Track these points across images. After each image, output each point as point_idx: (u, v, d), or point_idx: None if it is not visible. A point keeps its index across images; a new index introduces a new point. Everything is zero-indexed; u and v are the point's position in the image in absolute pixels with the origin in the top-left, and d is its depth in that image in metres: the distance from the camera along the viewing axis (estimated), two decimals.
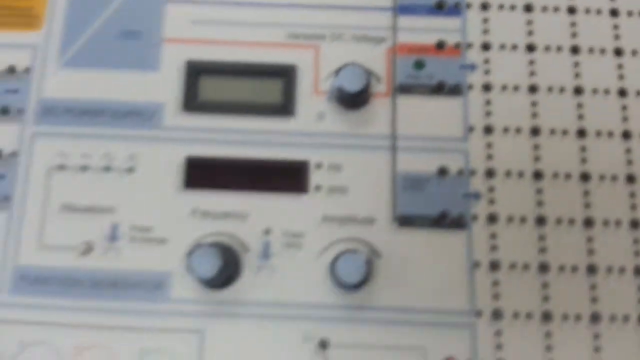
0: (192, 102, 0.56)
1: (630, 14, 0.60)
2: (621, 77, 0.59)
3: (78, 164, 0.55)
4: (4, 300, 0.52)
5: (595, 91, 0.58)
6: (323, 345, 0.52)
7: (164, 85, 0.56)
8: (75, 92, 0.56)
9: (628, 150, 0.57)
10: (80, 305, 0.52)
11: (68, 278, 0.53)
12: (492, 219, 0.55)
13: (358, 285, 0.51)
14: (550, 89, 0.58)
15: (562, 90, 0.58)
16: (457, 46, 0.59)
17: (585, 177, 0.56)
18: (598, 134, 0.57)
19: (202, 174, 0.55)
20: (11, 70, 0.57)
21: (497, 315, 0.53)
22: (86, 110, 0.56)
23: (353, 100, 0.55)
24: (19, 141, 0.55)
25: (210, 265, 0.49)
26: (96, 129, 0.55)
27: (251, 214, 0.54)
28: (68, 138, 0.55)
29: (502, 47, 0.59)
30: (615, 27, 0.60)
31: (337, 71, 0.54)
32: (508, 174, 0.56)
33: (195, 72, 0.56)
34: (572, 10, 0.60)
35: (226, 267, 0.50)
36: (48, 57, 0.57)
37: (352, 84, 0.53)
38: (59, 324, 0.52)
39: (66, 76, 0.57)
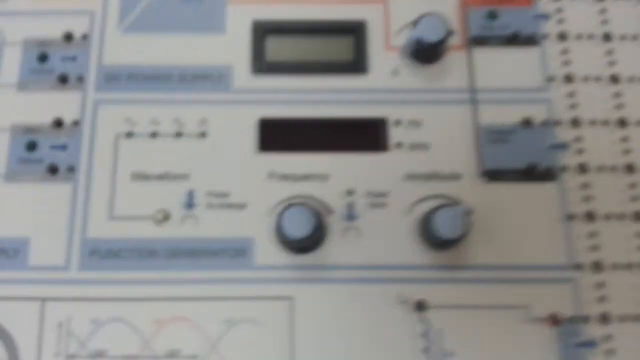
0: (261, 63, 0.47)
1: None
2: None
3: (147, 131, 0.45)
4: (73, 277, 0.43)
5: None
6: (420, 306, 0.43)
7: (231, 47, 0.48)
8: (138, 57, 0.47)
9: None
10: (158, 277, 0.43)
11: (143, 249, 0.43)
12: (582, 169, 0.46)
13: (456, 241, 0.41)
14: (623, 37, 0.49)
15: (634, 38, 0.49)
16: None
17: None
18: None
19: (277, 135, 0.45)
20: (68, 37, 0.48)
21: (597, 267, 0.44)
22: (151, 75, 0.47)
23: (431, 52, 0.46)
24: (81, 109, 0.46)
25: (304, 224, 0.40)
26: (163, 94, 0.46)
27: (332, 175, 0.45)
28: (134, 104, 0.46)
29: None
30: None
31: (415, 22, 0.45)
32: (593, 122, 0.47)
33: (262, 32, 0.47)
34: None
35: (317, 228, 0.40)
36: (107, 23, 0.48)
37: (433, 34, 0.44)
38: (135, 299, 0.42)
39: (127, 42, 0.48)
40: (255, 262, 0.44)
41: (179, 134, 0.46)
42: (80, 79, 0.47)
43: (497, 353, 0.43)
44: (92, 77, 0.47)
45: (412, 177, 0.46)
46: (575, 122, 0.48)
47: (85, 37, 0.48)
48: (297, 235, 0.41)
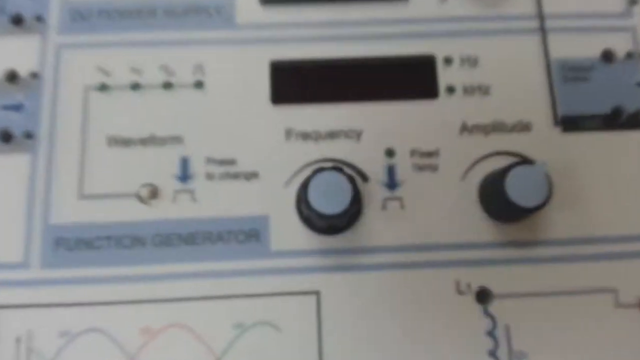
0: None
1: None
2: None
3: (126, 82, 0.31)
4: (34, 276, 0.28)
5: None
6: (483, 296, 0.28)
7: None
8: None
9: None
10: (145, 273, 0.28)
11: (124, 236, 0.29)
12: None
13: (535, 210, 0.26)
14: None
15: None
16: None
17: None
18: None
19: (295, 83, 0.31)
20: None
21: None
22: (129, 10, 0.31)
23: None
24: (40, 58, 0.30)
25: (338, 195, 0.26)
26: (145, 34, 0.31)
27: (366, 130, 0.30)
28: (108, 48, 0.31)
29: None
30: None
31: None
32: None
33: None
34: None
35: (355, 200, 0.26)
36: None
37: None
38: (116, 303, 0.28)
39: None
40: (271, 247, 0.30)
41: (167, 85, 0.31)
42: (39, 19, 0.32)
43: (580, 351, 0.29)
44: (53, 15, 0.32)
45: (468, 129, 0.31)
46: None
47: None
48: (330, 212, 0.27)
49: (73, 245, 0.30)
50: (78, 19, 0.33)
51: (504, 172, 0.29)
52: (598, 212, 0.31)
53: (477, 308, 0.30)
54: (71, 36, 0.32)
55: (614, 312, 0.30)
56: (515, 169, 0.28)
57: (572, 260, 0.31)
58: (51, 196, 0.30)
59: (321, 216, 0.27)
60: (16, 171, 0.30)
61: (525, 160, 0.28)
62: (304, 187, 0.28)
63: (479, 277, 0.30)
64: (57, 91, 0.32)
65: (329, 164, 0.30)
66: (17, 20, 0.32)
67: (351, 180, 0.28)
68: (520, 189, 0.28)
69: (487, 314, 0.30)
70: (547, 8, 0.34)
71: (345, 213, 0.27)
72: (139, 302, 0.29)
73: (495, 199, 0.29)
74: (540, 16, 0.33)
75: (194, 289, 0.29)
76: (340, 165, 0.31)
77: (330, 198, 0.27)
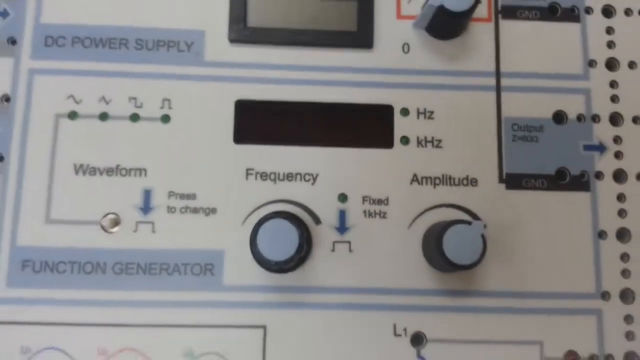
0: (241, 29, 0.32)
1: None
2: None
3: (95, 112, 0.32)
4: (0, 295, 0.30)
5: None
6: (417, 340, 0.31)
7: (203, 7, 0.33)
8: (86, 15, 0.33)
9: None
10: (104, 298, 0.31)
11: (87, 262, 0.31)
12: (618, 176, 0.33)
13: (470, 267, 0.29)
14: None
15: None
16: None
17: None
18: None
19: (257, 123, 0.32)
20: None
21: (626, 297, 0.32)
22: (101, 39, 0.32)
23: (453, 24, 0.32)
24: (12, 82, 0.32)
25: (284, 244, 0.28)
26: (116, 64, 0.32)
27: (322, 174, 0.32)
28: (79, 77, 0.32)
29: None
30: None
31: None
32: (636, 120, 0.34)
33: None
34: None
35: (304, 240, 0.28)
36: None
37: (459, 2, 0.30)
38: (75, 324, 0.31)
39: None
40: (223, 281, 0.32)
41: (134, 117, 0.33)
42: (12, 42, 0.33)
43: None
44: (26, 39, 0.33)
45: (419, 180, 0.33)
46: (616, 119, 0.35)
47: None
48: (274, 259, 0.29)
49: (38, 267, 0.32)
50: (51, 44, 0.33)
51: (443, 228, 0.31)
52: (533, 268, 0.34)
53: (411, 351, 0.33)
54: (44, 61, 0.33)
55: None
56: (453, 227, 0.30)
57: (503, 312, 0.33)
58: (19, 219, 0.32)
59: (267, 262, 0.29)
60: None
61: (462, 220, 0.30)
62: (254, 232, 0.30)
63: (415, 322, 0.33)
64: (28, 115, 0.33)
65: (280, 210, 0.32)
66: None
67: (299, 229, 0.29)
68: (456, 246, 0.30)
69: (420, 357, 0.33)
70: (506, 67, 0.35)
71: (289, 261, 0.29)
72: (97, 324, 0.31)
73: (434, 252, 0.31)
74: (497, 74, 0.35)
75: (148, 316, 0.32)
76: (290, 209, 0.32)
77: (277, 245, 0.29)
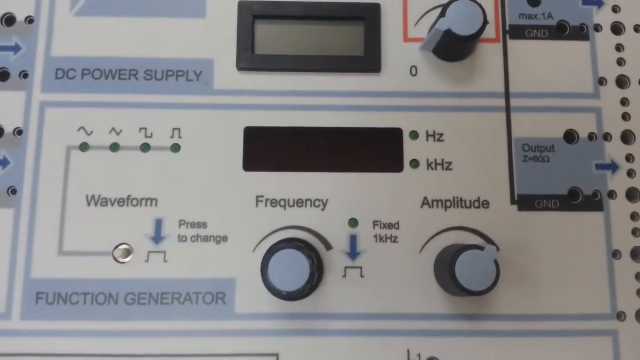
0: (249, 57, 0.32)
1: None
2: None
3: (106, 142, 0.32)
4: (14, 327, 0.30)
5: None
6: None
7: (211, 36, 0.33)
8: (95, 48, 0.33)
9: None
10: (116, 329, 0.30)
11: (99, 293, 0.30)
12: (631, 195, 0.32)
13: (483, 293, 0.28)
14: None
15: None
16: None
17: None
18: None
19: (267, 150, 0.32)
20: (9, 21, 0.33)
21: None
22: (111, 71, 0.32)
23: (460, 48, 0.32)
24: (24, 115, 0.32)
25: (295, 275, 0.28)
26: (126, 95, 0.32)
27: (331, 200, 0.32)
28: (90, 108, 0.32)
29: None
30: None
31: (444, 8, 0.30)
32: None
33: (250, 17, 0.33)
34: None
35: (314, 269, 0.28)
36: (57, 3, 0.33)
37: (466, 25, 0.30)
38: (88, 354, 0.30)
39: (82, 27, 0.33)
40: (235, 309, 0.32)
41: (145, 147, 0.33)
42: (24, 75, 0.33)
43: None
44: (38, 72, 0.33)
45: (429, 203, 0.33)
46: (628, 137, 0.34)
47: (30, 21, 0.34)
48: (285, 289, 0.28)
49: (52, 299, 0.32)
50: (62, 77, 0.34)
51: (455, 254, 0.30)
52: (546, 290, 0.33)
53: None
54: (54, 94, 0.34)
55: None
56: (466, 252, 0.30)
57: (517, 335, 0.33)
58: (32, 251, 0.32)
59: (278, 291, 0.29)
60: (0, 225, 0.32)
61: (474, 246, 0.30)
62: (264, 262, 0.30)
63: (429, 347, 0.32)
64: (40, 148, 0.33)
65: (291, 238, 0.32)
66: (3, 76, 0.34)
67: (309, 258, 0.29)
68: (469, 272, 0.30)
69: None
70: (515, 87, 0.35)
71: (301, 290, 0.29)
72: (109, 355, 0.31)
73: (446, 278, 0.31)
74: (506, 94, 0.35)
75: (161, 345, 0.32)
76: (301, 236, 0.32)
77: (288, 275, 0.29)
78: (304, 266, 0.29)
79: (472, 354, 0.32)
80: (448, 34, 0.32)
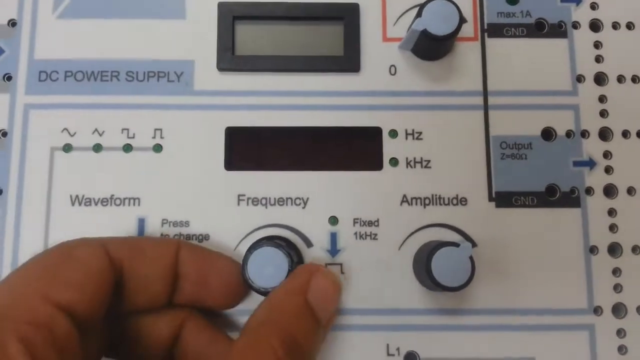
0: (229, 57, 0.32)
1: None
2: None
3: (89, 143, 0.32)
4: None
5: None
6: (410, 359, 0.32)
7: (192, 38, 0.33)
8: (78, 50, 0.33)
9: None
10: None
11: None
12: (609, 191, 0.33)
13: (459, 289, 0.29)
14: None
15: None
16: None
17: None
18: None
19: (248, 149, 0.32)
20: None
21: (618, 311, 0.32)
22: (94, 73, 0.33)
23: (438, 47, 0.32)
24: (8, 117, 0.32)
25: (274, 273, 0.28)
26: (109, 97, 0.33)
27: (312, 198, 0.32)
28: (73, 110, 0.33)
29: None
30: None
31: (420, 8, 0.30)
32: (626, 134, 0.34)
33: (231, 18, 0.33)
34: None
35: (293, 267, 0.29)
36: (40, 6, 0.33)
37: (442, 25, 0.30)
38: None
39: (65, 30, 0.34)
40: None
41: (127, 147, 0.33)
42: (8, 78, 0.34)
43: None
44: (21, 75, 0.34)
45: (408, 201, 0.33)
46: (605, 134, 0.35)
47: (13, 24, 0.34)
48: (262, 286, 0.29)
49: None
50: (45, 79, 0.34)
51: (431, 251, 0.31)
52: (524, 285, 0.34)
53: None
54: (38, 96, 0.34)
55: None
56: (442, 249, 0.31)
57: (495, 330, 0.33)
58: (19, 250, 0.33)
59: (258, 288, 0.30)
60: None
61: (450, 243, 0.30)
62: (245, 259, 0.30)
63: (408, 341, 0.33)
64: (25, 149, 0.33)
65: (270, 237, 0.32)
66: None
67: (288, 256, 0.30)
68: (445, 268, 0.30)
69: None
70: (493, 85, 0.35)
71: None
72: None
73: (423, 274, 0.32)
74: (485, 93, 0.35)
75: None
76: (281, 235, 0.33)
77: (266, 272, 0.30)
78: (282, 264, 0.30)
79: (451, 348, 0.33)
80: (424, 34, 0.32)
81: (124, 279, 0.28)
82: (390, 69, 0.35)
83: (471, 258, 0.30)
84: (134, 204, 0.33)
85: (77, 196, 0.33)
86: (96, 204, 0.33)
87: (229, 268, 0.31)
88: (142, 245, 0.29)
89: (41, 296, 0.25)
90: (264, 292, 0.30)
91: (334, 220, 0.34)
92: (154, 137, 0.34)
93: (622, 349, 0.33)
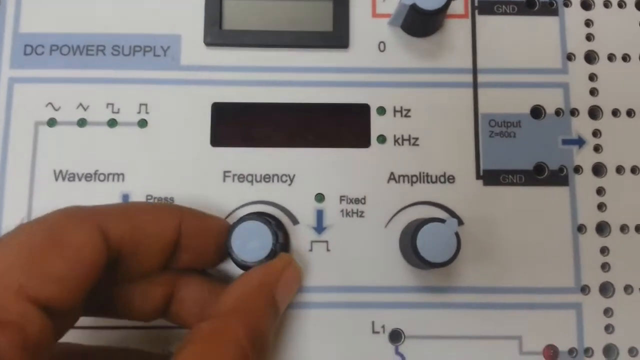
0: (216, 32, 0.32)
1: None
2: None
3: (73, 118, 0.32)
4: None
5: None
6: (396, 336, 0.32)
7: (178, 12, 0.33)
8: (63, 24, 0.33)
9: None
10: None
11: None
12: (598, 170, 0.32)
13: (444, 265, 0.28)
14: None
15: None
16: None
17: None
18: None
19: (234, 125, 0.32)
20: None
21: (606, 290, 0.31)
22: (79, 47, 0.32)
23: (428, 22, 0.31)
24: None
25: (256, 248, 0.28)
26: (93, 71, 0.32)
27: (298, 175, 0.32)
28: (58, 84, 0.33)
29: None
30: None
31: None
32: (616, 113, 0.33)
33: None
34: None
35: (277, 247, 0.28)
36: None
37: (432, 0, 0.29)
38: None
39: (50, 3, 0.33)
40: None
41: (112, 122, 0.33)
42: None
43: None
44: (5, 49, 0.33)
45: (395, 179, 0.33)
46: (595, 112, 0.34)
47: None
48: (250, 260, 0.29)
49: None
50: (30, 53, 0.34)
51: (417, 227, 0.30)
52: (511, 263, 0.33)
53: (389, 347, 0.33)
54: (23, 70, 0.33)
55: (518, 358, 0.33)
56: (427, 225, 0.30)
57: (481, 308, 0.33)
58: (1, 226, 0.32)
59: (242, 264, 0.30)
60: None
61: (436, 219, 0.30)
62: (231, 230, 0.30)
63: (393, 319, 0.33)
64: (9, 124, 0.33)
65: (255, 212, 0.32)
66: None
67: (272, 230, 0.29)
68: (430, 244, 0.30)
69: (398, 353, 0.33)
70: (483, 63, 0.35)
71: (267, 259, 0.30)
72: None
73: (409, 251, 0.31)
74: (474, 70, 0.34)
75: None
76: (267, 211, 0.32)
77: (249, 246, 0.29)
78: (266, 242, 0.29)
79: (437, 326, 0.33)
80: (414, 8, 0.32)
81: (119, 256, 0.26)
82: (379, 45, 0.35)
83: (457, 234, 0.30)
84: (118, 180, 0.33)
85: (60, 171, 0.33)
86: (80, 180, 0.33)
87: (226, 233, 0.30)
88: (143, 222, 0.27)
89: (15, 290, 0.21)
90: (241, 265, 0.30)
91: (320, 198, 0.33)
92: (139, 112, 0.34)
93: (609, 328, 0.33)
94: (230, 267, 0.32)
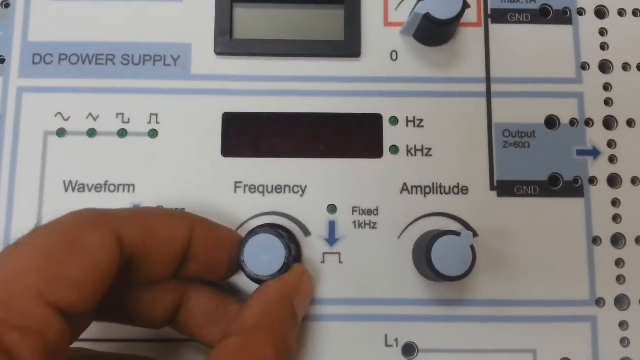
0: (227, 41, 0.32)
1: None
2: None
3: (83, 128, 0.32)
4: None
5: None
6: (409, 350, 0.32)
7: (189, 21, 0.32)
8: (73, 33, 0.32)
9: None
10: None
11: None
12: (613, 181, 0.32)
13: (459, 278, 0.28)
14: None
15: None
16: None
17: None
18: None
19: (245, 136, 0.31)
20: None
21: (621, 303, 0.31)
22: (88, 56, 0.32)
23: (440, 32, 0.31)
24: (2, 100, 0.31)
25: (269, 262, 0.27)
26: (103, 81, 0.32)
27: (310, 186, 0.31)
28: (67, 94, 0.32)
29: None
30: None
31: None
32: (631, 123, 0.33)
33: (229, 0, 0.32)
34: None
35: (290, 260, 0.28)
36: None
37: (445, 9, 0.29)
38: None
39: (60, 12, 0.33)
40: None
41: (122, 133, 0.32)
42: (1, 61, 0.33)
43: None
44: (15, 58, 0.33)
45: (408, 189, 0.33)
46: (610, 123, 0.34)
47: (6, 5, 0.33)
48: (255, 272, 0.28)
49: None
50: (39, 62, 0.33)
51: (432, 240, 0.30)
52: (526, 276, 0.33)
53: None
54: (32, 79, 0.33)
55: None
56: (442, 238, 0.30)
57: (496, 321, 0.33)
58: (10, 237, 0.32)
59: (254, 277, 0.29)
60: None
61: (451, 232, 0.30)
62: (244, 241, 0.29)
63: (406, 332, 0.32)
64: (18, 134, 0.33)
65: (267, 224, 0.31)
66: None
67: (285, 243, 0.29)
68: (445, 258, 0.30)
69: None
70: (496, 72, 0.34)
71: (279, 273, 0.29)
72: None
73: (423, 264, 0.31)
74: (488, 80, 0.34)
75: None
76: (278, 223, 0.32)
77: (260, 260, 0.29)
78: (279, 255, 0.29)
79: (450, 340, 0.32)
80: (427, 18, 0.31)
81: (130, 261, 0.26)
82: (391, 54, 0.34)
83: (472, 247, 0.30)
84: (128, 190, 0.33)
85: (70, 182, 0.32)
86: (90, 190, 0.32)
87: (237, 245, 0.30)
88: (156, 227, 0.26)
89: (36, 295, 0.21)
90: (254, 278, 0.29)
91: (332, 209, 0.33)
92: (149, 122, 0.33)
93: (624, 342, 0.33)
94: (238, 279, 0.32)
